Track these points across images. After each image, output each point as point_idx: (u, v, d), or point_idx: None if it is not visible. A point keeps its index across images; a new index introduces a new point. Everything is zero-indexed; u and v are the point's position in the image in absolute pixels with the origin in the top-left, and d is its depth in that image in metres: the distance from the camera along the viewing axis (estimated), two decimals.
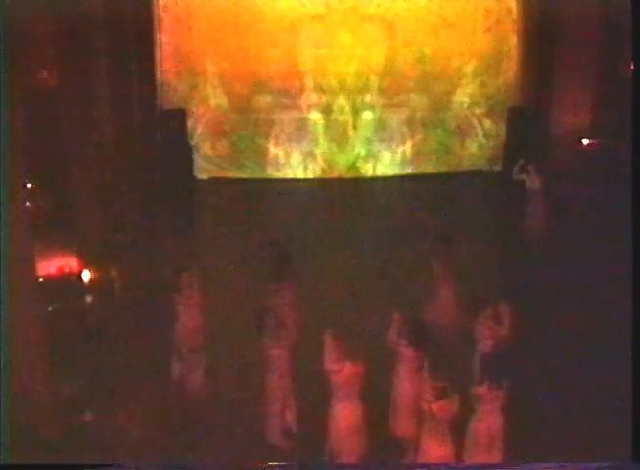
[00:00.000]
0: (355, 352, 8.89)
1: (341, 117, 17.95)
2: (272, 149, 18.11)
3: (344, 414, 8.89)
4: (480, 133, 18.24)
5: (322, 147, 18.13)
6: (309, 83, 17.76)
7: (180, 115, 17.58)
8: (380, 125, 18.04)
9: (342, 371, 8.78)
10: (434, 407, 8.20)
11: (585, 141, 16.56)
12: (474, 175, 18.07)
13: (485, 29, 17.64)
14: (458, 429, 8.52)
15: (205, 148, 18.06)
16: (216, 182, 17.96)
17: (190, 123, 17.74)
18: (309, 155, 18.16)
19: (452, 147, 18.27)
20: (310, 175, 18.21)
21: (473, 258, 13.53)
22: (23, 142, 9.11)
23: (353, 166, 18.20)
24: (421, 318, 9.81)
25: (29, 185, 11.55)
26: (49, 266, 11.71)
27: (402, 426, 9.34)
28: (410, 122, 18.07)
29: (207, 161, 18.08)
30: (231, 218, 15.88)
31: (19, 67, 8.89)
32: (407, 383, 9.30)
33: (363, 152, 18.18)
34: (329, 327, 9.08)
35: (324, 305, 12.01)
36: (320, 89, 17.78)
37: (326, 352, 8.84)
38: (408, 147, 18.19)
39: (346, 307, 12.06)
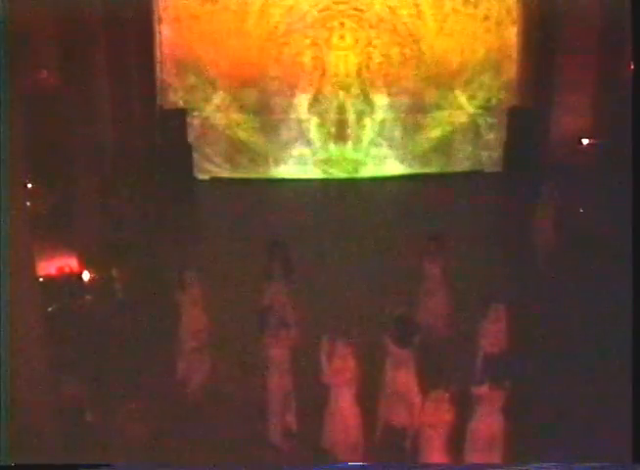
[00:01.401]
0: (356, 350, 8.91)
1: (341, 118, 17.95)
2: (272, 149, 18.11)
3: (348, 412, 8.91)
4: (480, 133, 18.23)
5: (322, 147, 18.12)
6: (310, 83, 17.75)
7: (180, 115, 17.59)
8: (380, 126, 18.03)
9: (344, 372, 8.79)
10: (440, 418, 8.17)
11: (585, 141, 16.56)
12: (474, 175, 18.06)
13: (485, 30, 17.64)
14: (458, 429, 8.53)
15: (205, 148, 18.05)
16: (216, 182, 17.97)
17: (190, 123, 17.73)
18: (310, 155, 18.16)
19: (452, 147, 18.26)
20: (310, 176, 18.20)
21: (473, 259, 13.54)
22: (24, 142, 9.10)
23: (353, 167, 18.20)
24: (405, 315, 9.82)
25: (29, 185, 11.56)
26: (49, 266, 11.72)
27: (395, 419, 9.41)
28: (409, 123, 18.07)
29: (207, 161, 18.08)
30: (231, 218, 15.88)
31: (19, 67, 8.88)
32: (395, 379, 9.36)
33: (363, 152, 18.17)
34: (325, 330, 9.12)
35: (323, 305, 12.04)
36: (320, 89, 17.78)
37: (324, 357, 8.83)
38: (408, 147, 18.18)
39: (346, 306, 12.07)
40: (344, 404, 8.93)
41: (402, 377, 9.33)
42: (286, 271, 11.18)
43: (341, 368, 8.81)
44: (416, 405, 8.92)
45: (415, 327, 9.66)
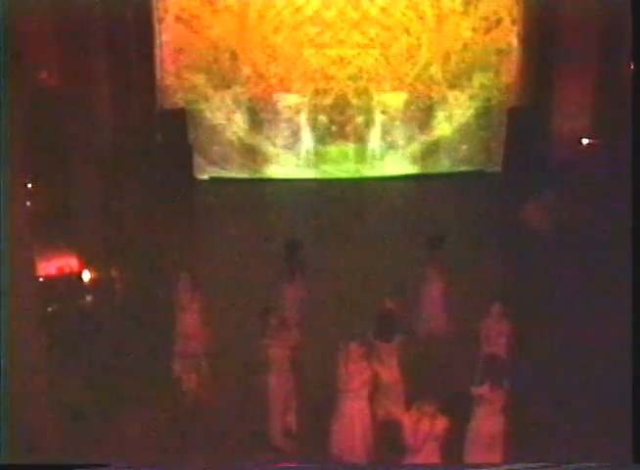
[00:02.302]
0: (368, 352, 8.90)
1: (341, 118, 17.93)
2: (272, 149, 18.11)
3: (359, 415, 8.88)
4: (480, 133, 18.22)
5: (323, 147, 18.11)
6: (310, 83, 17.74)
7: (180, 115, 17.58)
8: (380, 125, 18.02)
9: (360, 375, 8.76)
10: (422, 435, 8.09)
11: (585, 141, 16.55)
12: (474, 175, 18.06)
13: (485, 30, 17.64)
14: (458, 429, 8.53)
15: (205, 148, 18.04)
16: (216, 182, 17.96)
17: (190, 123, 17.73)
18: (310, 155, 18.15)
19: (452, 147, 18.25)
20: (310, 176, 18.20)
21: (473, 259, 13.54)
22: (24, 142, 9.10)
23: (354, 167, 18.19)
24: (387, 311, 9.82)
25: (29, 185, 11.55)
26: (49, 266, 11.71)
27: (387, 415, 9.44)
28: (409, 123, 18.06)
29: (207, 161, 18.07)
30: (231, 218, 15.88)
31: (19, 67, 8.88)
32: (381, 374, 9.42)
33: (364, 152, 18.17)
34: (338, 334, 9.12)
35: (324, 304, 12.04)
36: (321, 89, 17.76)
37: (341, 363, 8.79)
38: (408, 147, 18.18)
39: (347, 306, 12.08)
40: (360, 407, 8.89)
41: (386, 373, 9.38)
42: (300, 271, 11.22)
43: (356, 371, 8.77)
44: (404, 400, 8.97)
45: (397, 323, 9.67)
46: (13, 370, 8.61)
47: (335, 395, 9.04)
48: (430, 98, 17.95)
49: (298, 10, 17.37)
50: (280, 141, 18.05)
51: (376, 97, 17.86)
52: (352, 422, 8.94)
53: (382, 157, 18.20)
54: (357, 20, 17.42)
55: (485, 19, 17.61)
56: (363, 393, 8.91)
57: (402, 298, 10.67)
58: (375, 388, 9.47)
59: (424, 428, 7.95)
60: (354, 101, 17.85)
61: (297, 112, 17.89)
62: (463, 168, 18.28)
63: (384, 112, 17.95)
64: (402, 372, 9.52)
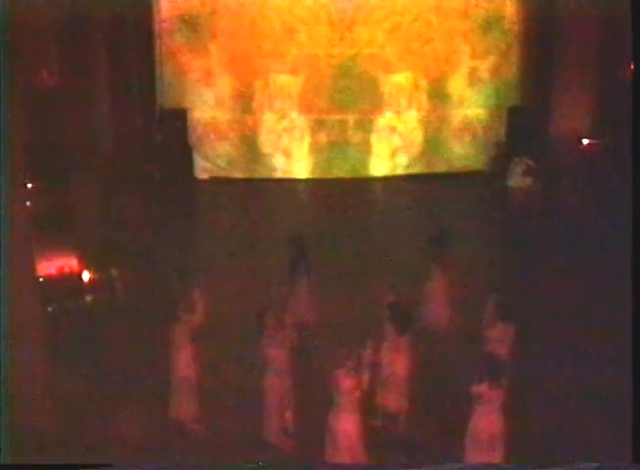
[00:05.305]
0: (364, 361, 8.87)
1: (342, 117, 17.94)
2: (272, 149, 18.10)
3: (351, 424, 8.84)
4: (480, 133, 18.22)
5: (322, 147, 18.11)
6: (310, 82, 17.74)
7: (180, 115, 17.59)
8: (380, 125, 18.03)
9: (355, 384, 8.73)
10: None
11: (585, 141, 16.56)
12: (474, 175, 18.06)
13: (485, 29, 17.64)
14: (458, 428, 8.53)
15: (206, 148, 18.05)
16: (216, 182, 17.97)
17: (190, 123, 17.73)
18: (310, 154, 18.15)
19: (452, 147, 18.26)
20: (310, 175, 18.20)
21: (472, 258, 13.54)
22: (24, 142, 9.11)
23: (354, 167, 18.19)
24: (401, 302, 9.82)
25: (29, 185, 11.57)
26: (49, 266, 11.72)
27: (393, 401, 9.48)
28: (410, 123, 18.06)
29: (207, 161, 18.07)
30: (231, 218, 15.88)
31: (19, 67, 8.89)
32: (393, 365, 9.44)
33: (364, 152, 18.17)
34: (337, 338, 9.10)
35: (325, 304, 12.04)
36: (321, 88, 17.76)
37: (339, 371, 8.75)
38: (407, 147, 18.18)
39: (347, 306, 12.07)
40: (352, 414, 8.86)
41: (398, 364, 9.38)
42: (303, 269, 11.23)
43: (355, 372, 8.75)
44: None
45: (411, 315, 9.69)
46: (13, 370, 8.62)
47: (335, 395, 9.01)
48: (430, 98, 17.94)
49: (299, 9, 17.35)
50: (280, 140, 18.05)
51: (376, 97, 17.85)
52: (351, 421, 8.92)
53: (382, 157, 18.19)
54: (358, 20, 17.42)
55: (486, 19, 17.62)
56: (355, 396, 8.88)
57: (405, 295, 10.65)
58: (380, 382, 9.50)
59: None
60: (355, 101, 17.85)
61: (298, 111, 17.88)
62: (463, 168, 18.28)
63: (384, 111, 17.95)
64: (411, 366, 9.54)
